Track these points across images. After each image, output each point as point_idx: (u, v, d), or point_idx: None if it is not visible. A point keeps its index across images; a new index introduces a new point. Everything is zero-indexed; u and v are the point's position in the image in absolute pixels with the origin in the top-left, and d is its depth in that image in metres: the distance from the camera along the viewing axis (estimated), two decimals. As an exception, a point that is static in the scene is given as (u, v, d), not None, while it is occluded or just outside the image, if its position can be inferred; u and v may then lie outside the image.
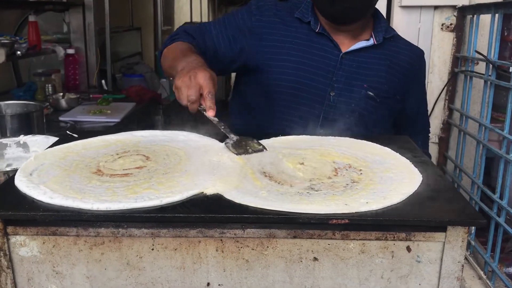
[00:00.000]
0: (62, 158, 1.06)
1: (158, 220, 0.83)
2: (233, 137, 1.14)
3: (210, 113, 1.11)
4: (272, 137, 1.22)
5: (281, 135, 1.34)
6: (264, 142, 1.19)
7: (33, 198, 0.86)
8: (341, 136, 1.39)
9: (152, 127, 3.49)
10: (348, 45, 1.44)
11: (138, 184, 0.93)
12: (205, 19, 8.53)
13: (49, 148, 1.13)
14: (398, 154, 1.10)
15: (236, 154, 1.08)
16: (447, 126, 2.40)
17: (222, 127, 1.15)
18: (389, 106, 1.48)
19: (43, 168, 1.00)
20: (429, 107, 2.40)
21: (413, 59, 1.53)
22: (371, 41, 1.44)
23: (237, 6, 13.34)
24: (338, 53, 1.43)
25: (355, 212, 0.82)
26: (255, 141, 1.14)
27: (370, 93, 1.42)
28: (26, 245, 0.85)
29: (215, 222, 0.83)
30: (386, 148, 1.14)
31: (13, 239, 0.85)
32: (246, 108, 1.54)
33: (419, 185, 0.94)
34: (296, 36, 1.43)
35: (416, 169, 1.02)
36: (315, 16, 1.44)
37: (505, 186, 1.74)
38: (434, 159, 2.47)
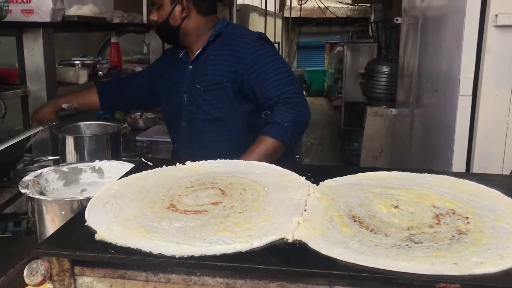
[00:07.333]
0: (136, 190, 1.01)
1: (234, 269, 0.74)
2: None
3: None
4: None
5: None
6: (351, 177, 1.07)
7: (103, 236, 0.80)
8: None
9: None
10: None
11: (213, 223, 0.85)
12: (278, 39, 8.53)
13: (123, 178, 1.09)
14: (510, 198, 0.94)
15: None
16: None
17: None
18: (217, 91, 1.71)
19: (115, 200, 0.95)
20: None
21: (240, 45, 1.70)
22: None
23: (312, 26, 13.32)
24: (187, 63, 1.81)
25: (468, 275, 0.68)
26: None
27: (198, 86, 1.74)
28: (93, 287, 0.79)
29: (299, 275, 0.73)
30: (494, 190, 0.98)
31: (80, 280, 0.79)
32: None
33: (543, 241, 0.78)
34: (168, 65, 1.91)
35: (536, 219, 0.85)
36: (182, 48, 1.84)
37: None
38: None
